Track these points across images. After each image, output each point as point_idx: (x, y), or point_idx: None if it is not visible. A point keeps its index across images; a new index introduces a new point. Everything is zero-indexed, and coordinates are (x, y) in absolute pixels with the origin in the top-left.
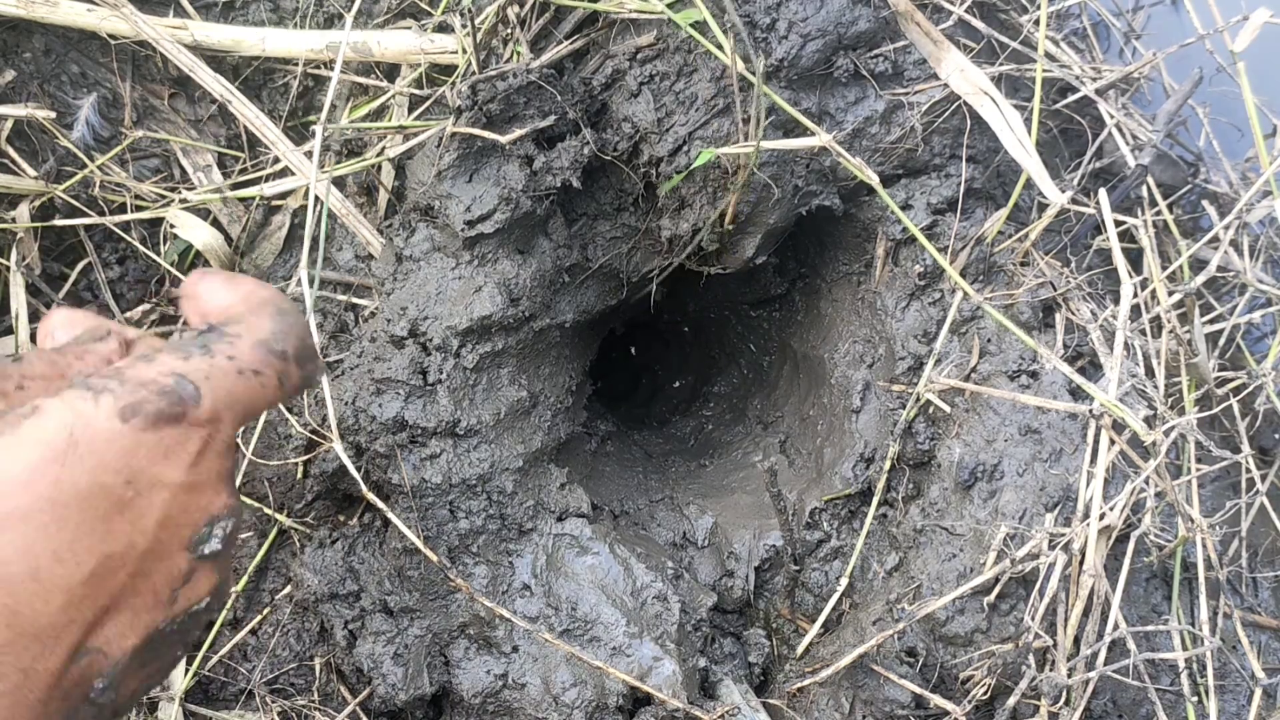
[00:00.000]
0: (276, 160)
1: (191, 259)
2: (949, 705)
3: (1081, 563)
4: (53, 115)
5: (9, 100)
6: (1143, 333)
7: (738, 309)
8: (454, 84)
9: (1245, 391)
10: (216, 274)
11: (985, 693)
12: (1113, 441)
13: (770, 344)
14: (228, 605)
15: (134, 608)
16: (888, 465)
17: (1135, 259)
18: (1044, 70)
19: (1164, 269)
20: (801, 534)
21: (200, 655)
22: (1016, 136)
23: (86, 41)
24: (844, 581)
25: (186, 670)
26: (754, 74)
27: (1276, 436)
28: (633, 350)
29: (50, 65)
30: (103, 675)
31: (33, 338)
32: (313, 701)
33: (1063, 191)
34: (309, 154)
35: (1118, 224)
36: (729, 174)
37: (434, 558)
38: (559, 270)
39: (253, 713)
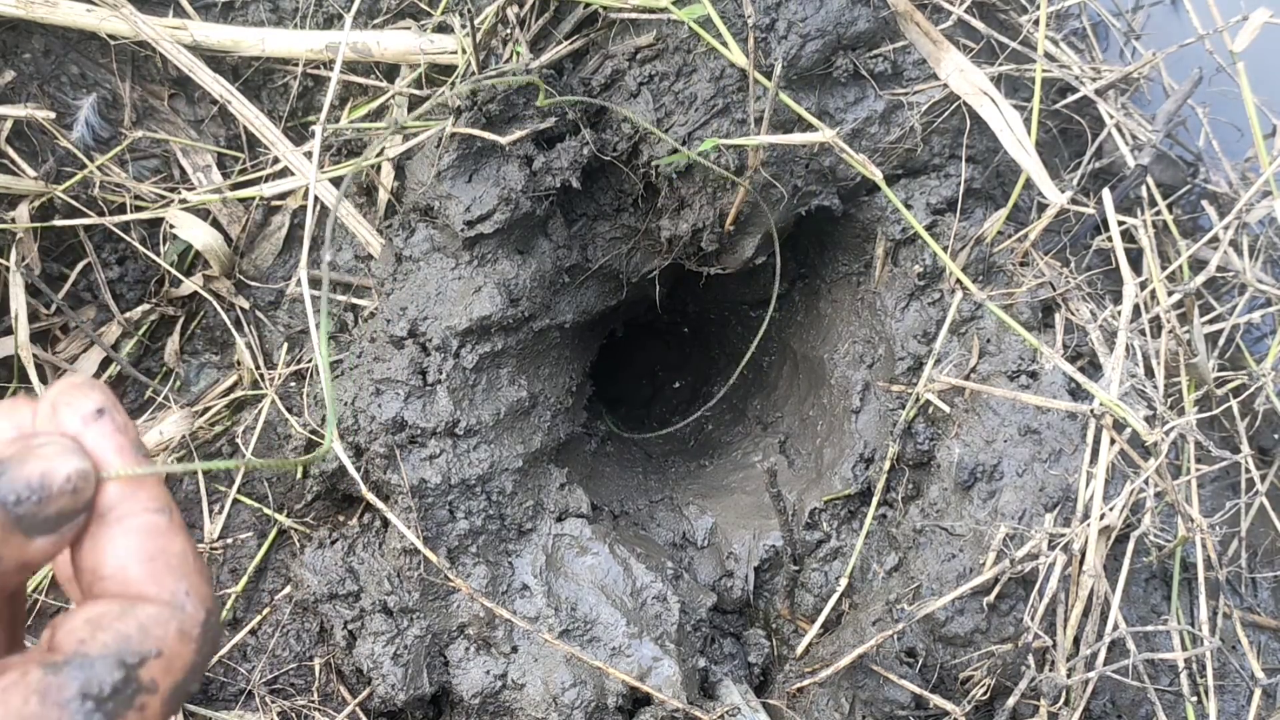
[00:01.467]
0: (276, 160)
1: (191, 259)
2: (949, 705)
3: (1081, 563)
4: (52, 115)
5: (9, 100)
6: (1142, 333)
7: (738, 309)
8: (454, 84)
9: (1246, 392)
10: (136, 515)
11: (985, 693)
12: (1113, 441)
13: (770, 344)
14: (227, 606)
15: None
16: (887, 465)
17: (1135, 259)
18: (1044, 70)
19: (1163, 269)
20: (801, 534)
21: None
22: (1016, 136)
23: (86, 42)
24: (844, 582)
25: None
26: (760, 69)
27: (1276, 436)
28: (619, 333)
29: (50, 65)
30: None
31: (32, 338)
32: (312, 702)
33: (1062, 192)
34: (309, 154)
35: (1118, 224)
36: (729, 174)
37: (434, 558)
38: (559, 271)
39: (252, 713)
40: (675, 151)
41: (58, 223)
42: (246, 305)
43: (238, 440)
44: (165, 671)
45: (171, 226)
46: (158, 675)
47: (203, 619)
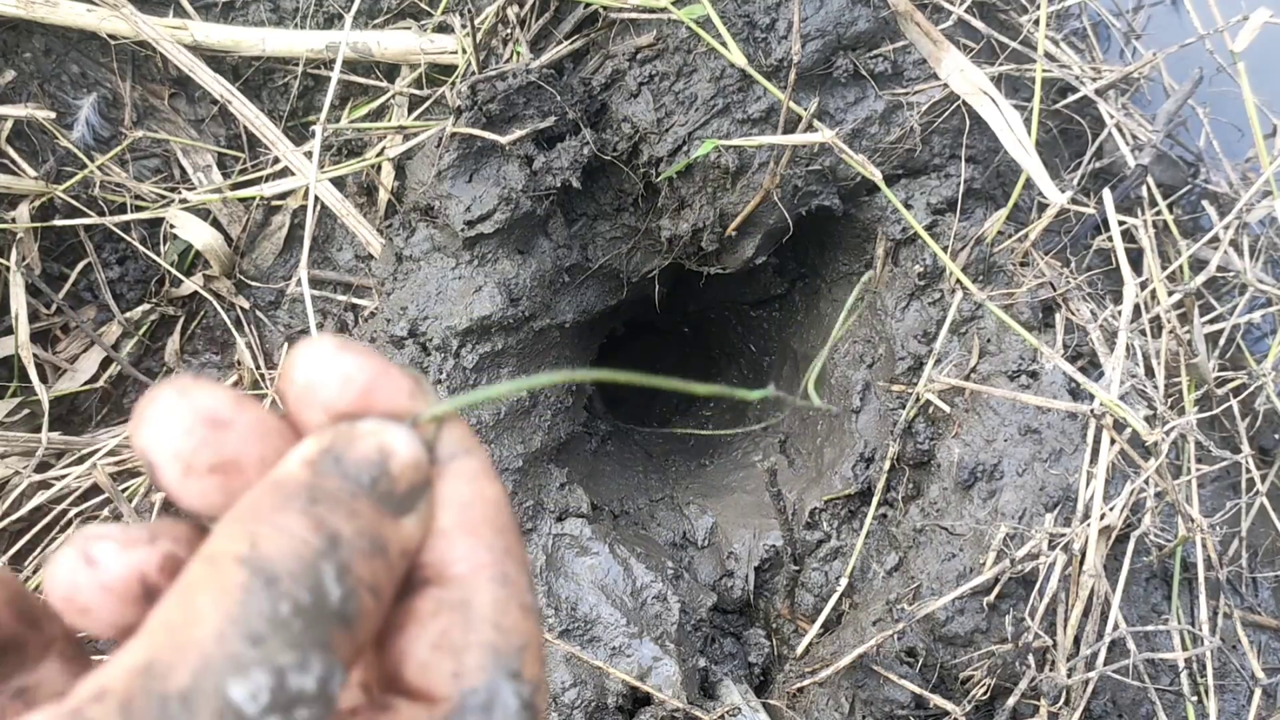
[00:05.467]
0: (276, 160)
1: (191, 259)
2: (949, 705)
3: (1081, 563)
4: (53, 115)
5: (9, 100)
6: (1142, 333)
7: (738, 309)
8: (454, 84)
9: (1245, 392)
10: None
11: (985, 693)
12: (1113, 441)
13: (770, 344)
14: None
15: None
16: (887, 465)
17: (1135, 259)
18: (1044, 70)
19: (1164, 269)
20: (801, 534)
21: None
22: (1016, 136)
23: (86, 41)
24: (844, 581)
25: None
26: (761, 69)
27: (1276, 436)
28: (619, 332)
29: (50, 65)
30: None
31: (33, 338)
32: None
33: (1062, 191)
34: (309, 154)
35: (1119, 224)
36: (729, 174)
37: None
38: (559, 270)
39: None
40: (676, 155)
41: (58, 222)
42: (247, 305)
43: None
44: (536, 662)
45: (172, 226)
46: (535, 673)
47: (528, 582)
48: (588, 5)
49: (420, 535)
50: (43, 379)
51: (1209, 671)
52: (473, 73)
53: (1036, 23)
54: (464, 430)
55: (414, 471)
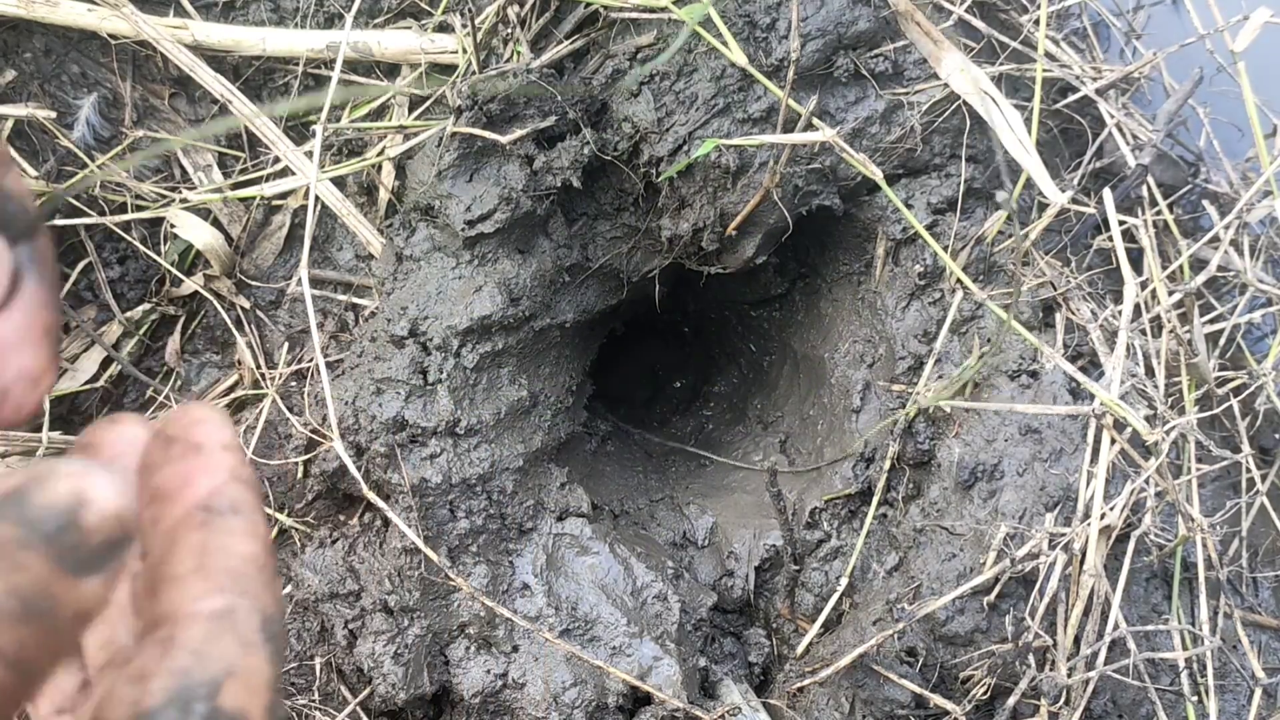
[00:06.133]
0: (277, 160)
1: (192, 258)
2: (949, 705)
3: (1081, 562)
4: (53, 115)
5: (9, 100)
6: (1143, 332)
7: (738, 309)
8: (454, 84)
9: (1245, 392)
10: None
11: (985, 693)
12: (1113, 441)
13: (770, 344)
14: None
15: None
16: (888, 465)
17: (1135, 259)
18: (1044, 70)
19: (1164, 268)
20: (801, 534)
21: None
22: (1016, 136)
23: (87, 41)
24: (844, 581)
25: None
26: (762, 69)
27: (1276, 436)
28: (619, 332)
29: (50, 65)
30: None
31: None
32: (313, 701)
33: (1063, 191)
34: (309, 154)
35: (1119, 224)
36: (729, 174)
37: (434, 557)
38: (559, 270)
39: None
40: (677, 155)
41: (58, 222)
42: (247, 305)
43: (239, 441)
44: (249, 694)
45: (172, 226)
46: (244, 703)
47: (259, 625)
48: (588, 5)
49: (103, 597)
50: None
51: (1209, 671)
52: (473, 72)
53: (1037, 22)
54: (241, 490)
55: (113, 525)
